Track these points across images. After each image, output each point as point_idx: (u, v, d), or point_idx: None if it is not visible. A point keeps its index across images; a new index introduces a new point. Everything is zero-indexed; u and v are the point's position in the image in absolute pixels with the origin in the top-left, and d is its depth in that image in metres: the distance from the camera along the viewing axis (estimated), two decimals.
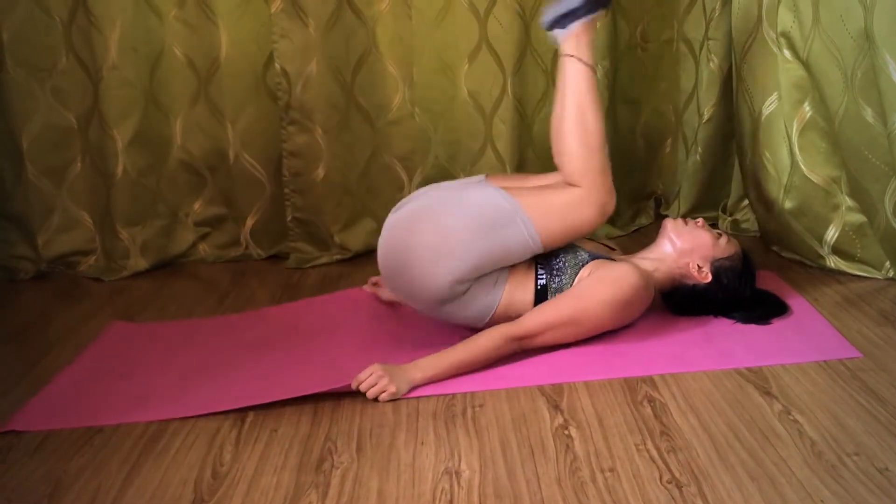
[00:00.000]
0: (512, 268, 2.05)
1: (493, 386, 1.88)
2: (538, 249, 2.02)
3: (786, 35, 2.36)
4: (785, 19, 2.35)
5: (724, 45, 2.80)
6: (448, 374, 1.91)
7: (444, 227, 1.97)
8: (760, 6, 2.46)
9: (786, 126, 2.42)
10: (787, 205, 2.45)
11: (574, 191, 2.02)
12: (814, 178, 2.38)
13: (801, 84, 2.35)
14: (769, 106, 2.47)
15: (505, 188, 2.05)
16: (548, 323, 1.97)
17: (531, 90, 2.93)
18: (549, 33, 2.11)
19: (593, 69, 2.07)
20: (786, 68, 2.38)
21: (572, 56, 2.05)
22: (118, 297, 2.64)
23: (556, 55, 2.90)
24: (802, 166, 2.38)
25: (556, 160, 2.07)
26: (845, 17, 2.12)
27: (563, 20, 2.06)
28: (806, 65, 2.32)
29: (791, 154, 2.41)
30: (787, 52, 2.37)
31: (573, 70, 2.06)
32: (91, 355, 2.19)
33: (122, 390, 1.98)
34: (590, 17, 2.05)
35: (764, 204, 2.60)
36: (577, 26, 2.05)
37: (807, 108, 2.36)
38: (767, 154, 2.49)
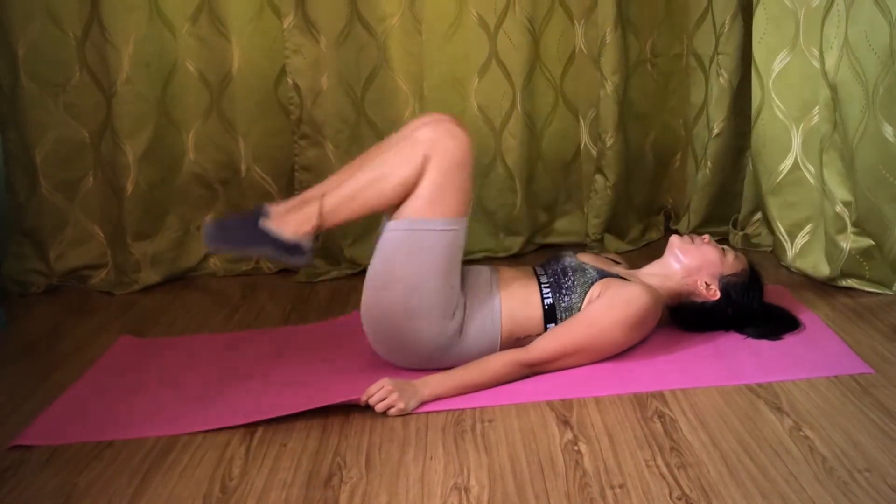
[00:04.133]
0: (505, 289, 2.04)
1: (502, 401, 1.88)
2: (458, 225, 1.96)
3: (822, 53, 2.32)
4: (827, 34, 2.29)
5: (734, 59, 2.80)
6: (456, 393, 1.91)
7: (385, 304, 1.97)
8: (798, 22, 2.43)
9: (821, 143, 2.40)
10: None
11: (422, 164, 1.93)
12: (829, 198, 2.37)
13: (828, 103, 2.33)
14: (811, 120, 2.46)
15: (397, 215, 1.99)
16: (561, 351, 1.97)
17: (540, 105, 2.94)
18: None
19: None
20: (820, 85, 2.36)
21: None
22: (129, 311, 2.65)
23: (565, 70, 2.94)
24: (827, 185, 2.37)
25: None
26: (870, 34, 2.11)
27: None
28: (832, 84, 2.30)
29: (819, 173, 2.41)
30: (820, 70, 2.34)
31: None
32: (101, 370, 2.19)
33: (132, 405, 1.99)
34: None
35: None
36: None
37: (829, 128, 2.34)
38: (810, 167, 2.49)
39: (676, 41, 3.03)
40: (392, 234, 1.97)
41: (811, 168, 2.49)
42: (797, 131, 2.49)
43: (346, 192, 1.97)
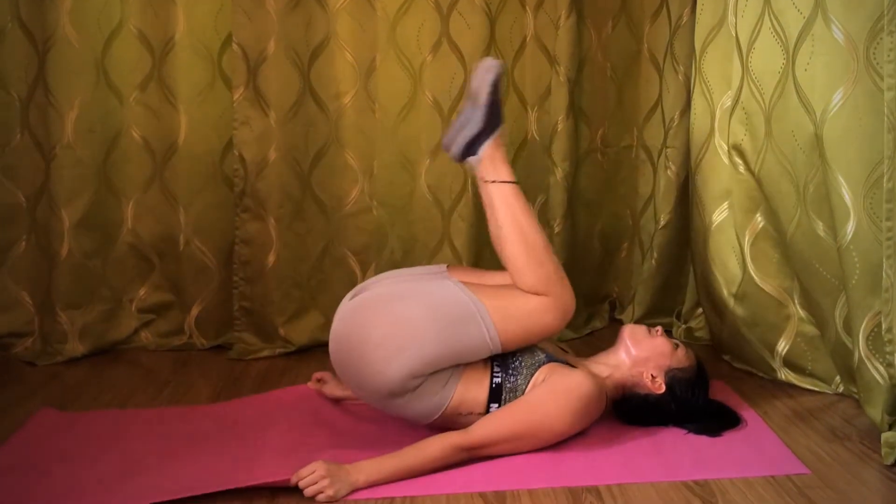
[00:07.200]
0: (466, 365, 2.00)
1: (433, 491, 1.80)
2: (496, 350, 1.99)
3: (737, 148, 2.40)
4: (737, 132, 2.40)
5: (682, 153, 2.83)
6: (392, 479, 1.84)
7: (403, 319, 1.93)
8: (713, 118, 2.50)
9: (738, 235, 2.43)
10: (739, 313, 2.44)
11: (539, 298, 1.99)
12: (766, 287, 2.38)
13: (752, 195, 2.38)
14: (720, 215, 2.49)
15: (467, 284, 2.02)
16: (500, 435, 1.92)
17: None
18: (463, 163, 2.11)
19: (516, 183, 2.06)
20: (738, 179, 2.41)
21: (493, 181, 2.05)
22: (51, 383, 2.53)
23: (517, 156, 2.94)
24: (755, 275, 2.38)
25: (513, 280, 2.03)
26: (796, 132, 2.16)
27: (470, 147, 2.07)
28: (757, 177, 2.34)
29: (742, 263, 2.42)
30: (739, 165, 2.40)
31: (499, 193, 2.05)
32: (17, 444, 2.08)
33: (50, 480, 1.87)
34: (494, 135, 2.06)
35: (716, 312, 2.59)
36: (487, 148, 2.06)
37: (759, 219, 2.38)
38: (717, 262, 2.50)
39: (627, 133, 3.07)
40: (461, 295, 1.97)
41: (718, 263, 2.53)
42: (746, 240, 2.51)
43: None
